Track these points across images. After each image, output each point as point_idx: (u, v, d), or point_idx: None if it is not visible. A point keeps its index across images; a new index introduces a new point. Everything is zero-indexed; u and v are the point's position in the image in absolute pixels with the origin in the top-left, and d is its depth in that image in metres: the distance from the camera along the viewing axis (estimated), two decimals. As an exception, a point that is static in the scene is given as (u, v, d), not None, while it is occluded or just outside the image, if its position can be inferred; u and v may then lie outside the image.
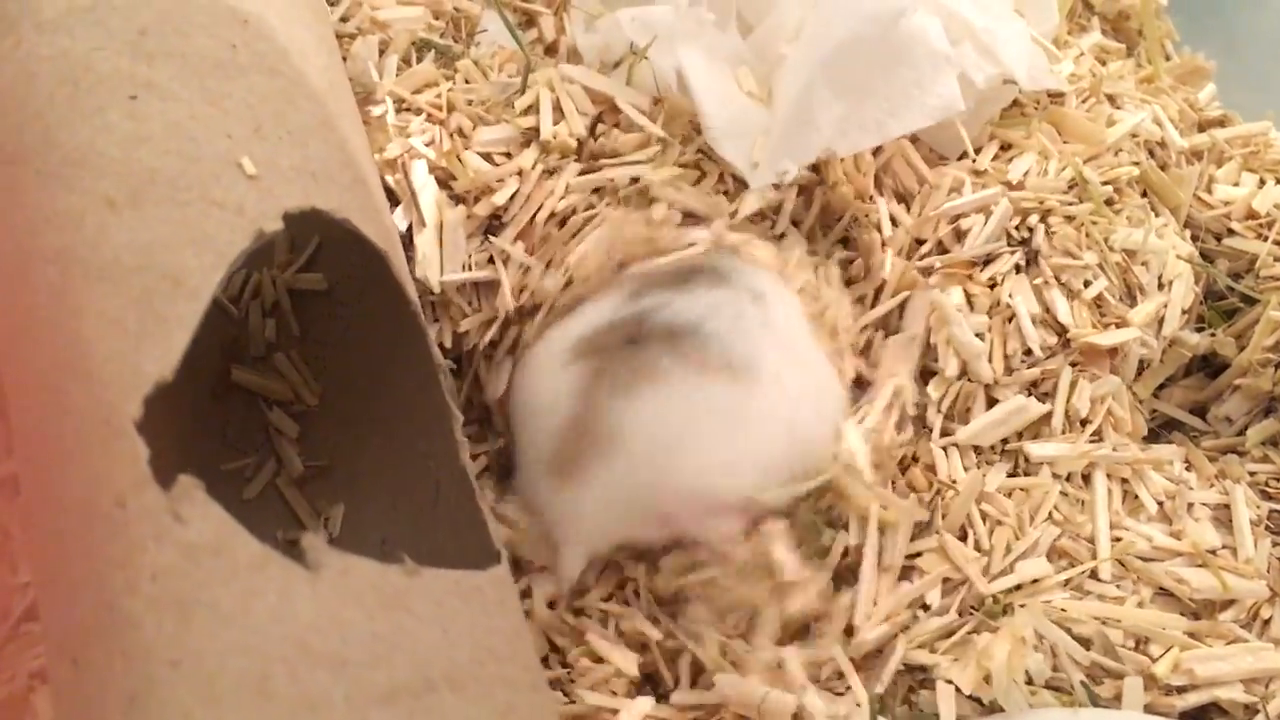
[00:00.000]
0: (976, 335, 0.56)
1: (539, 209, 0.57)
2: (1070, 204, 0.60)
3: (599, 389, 0.50)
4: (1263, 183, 0.67)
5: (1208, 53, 0.78)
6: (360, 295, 0.56)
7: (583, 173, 0.58)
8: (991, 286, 0.58)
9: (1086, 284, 0.58)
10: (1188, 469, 0.58)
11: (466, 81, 0.62)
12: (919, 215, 0.60)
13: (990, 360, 0.56)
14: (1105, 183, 0.61)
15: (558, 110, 0.59)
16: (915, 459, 0.55)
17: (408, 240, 0.55)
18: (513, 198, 0.57)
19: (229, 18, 0.49)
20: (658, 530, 0.50)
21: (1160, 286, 0.59)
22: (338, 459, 0.54)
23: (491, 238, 0.57)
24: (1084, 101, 0.66)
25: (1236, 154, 0.68)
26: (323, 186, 0.47)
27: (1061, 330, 0.57)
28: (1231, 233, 0.65)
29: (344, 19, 0.63)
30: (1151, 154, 0.64)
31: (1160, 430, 0.62)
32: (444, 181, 0.57)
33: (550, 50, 0.67)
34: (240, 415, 0.55)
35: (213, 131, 0.45)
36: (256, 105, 0.47)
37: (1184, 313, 0.60)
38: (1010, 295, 0.57)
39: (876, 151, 0.61)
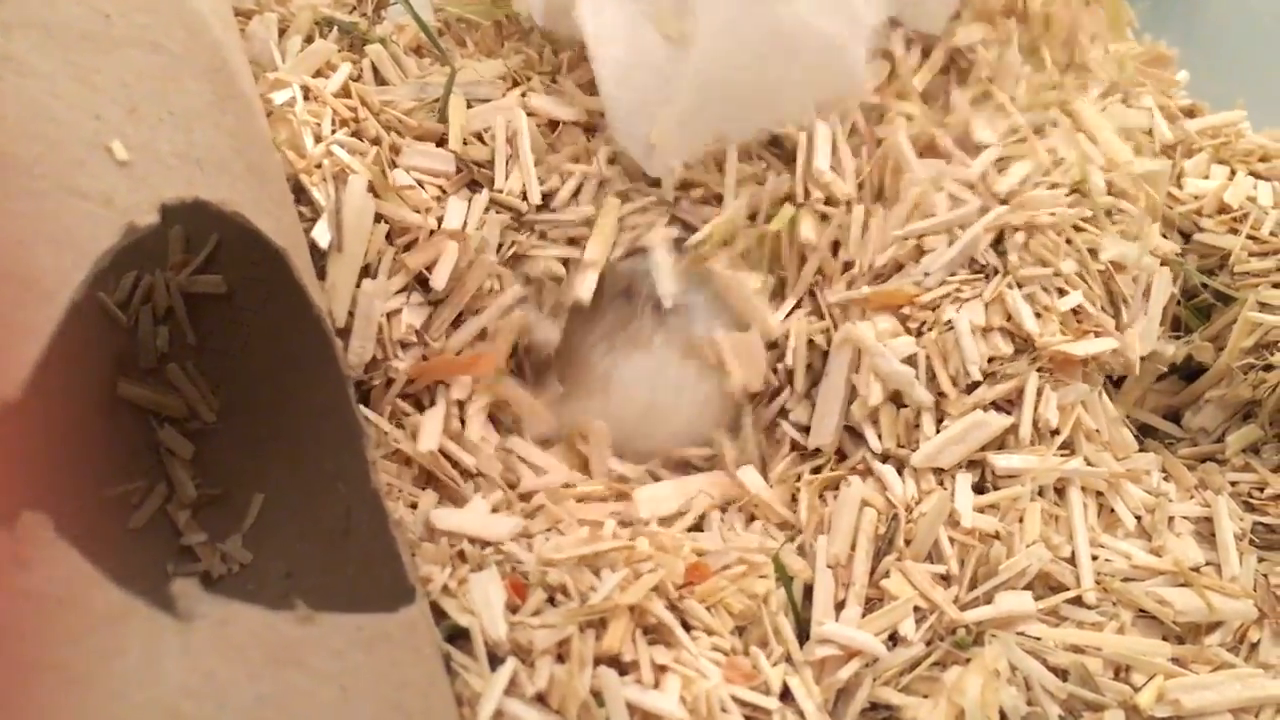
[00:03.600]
0: (909, 359, 0.52)
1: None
2: (1052, 212, 0.55)
3: (594, 331, 0.54)
4: (1233, 173, 0.63)
5: (1169, 39, 0.75)
6: (264, 300, 0.50)
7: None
8: (934, 308, 0.53)
9: (1061, 293, 0.53)
10: (1166, 479, 0.54)
11: (376, 72, 0.56)
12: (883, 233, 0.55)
13: (935, 380, 0.52)
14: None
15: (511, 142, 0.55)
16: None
17: (320, 254, 0.49)
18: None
19: (103, -15, 0.43)
20: None
21: (1145, 298, 0.56)
22: (237, 482, 0.48)
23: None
24: (1103, 95, 0.63)
25: (1206, 145, 0.64)
26: (210, 175, 0.41)
27: (1027, 340, 0.53)
28: (1200, 229, 0.61)
29: (243, -8, 0.57)
30: (1138, 150, 0.60)
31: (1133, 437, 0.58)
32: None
33: None
34: (128, 434, 0.49)
35: (78, 112, 0.39)
36: (132, 83, 0.41)
37: (1161, 324, 0.56)
38: (957, 310, 0.53)
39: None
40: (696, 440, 0.54)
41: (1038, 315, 0.53)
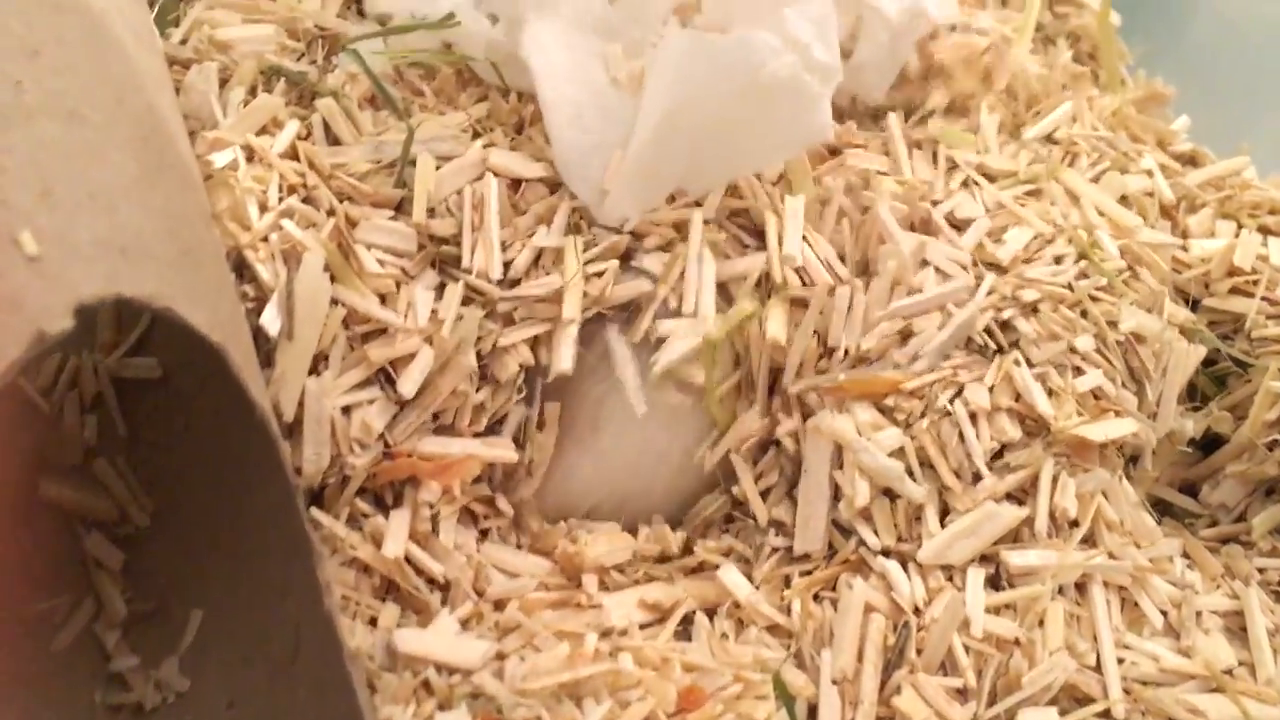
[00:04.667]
0: (895, 452, 0.47)
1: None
2: (1065, 287, 0.51)
3: (583, 364, 0.49)
4: (1240, 229, 0.59)
5: (1164, 75, 0.72)
6: (201, 386, 0.45)
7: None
8: (921, 396, 0.49)
9: (1077, 371, 0.49)
10: (1189, 566, 0.50)
11: (327, 130, 0.51)
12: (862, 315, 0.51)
13: (937, 470, 0.47)
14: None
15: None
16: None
17: (266, 339, 0.44)
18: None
19: (14, 48, 0.38)
20: None
21: (1165, 374, 0.52)
22: (173, 596, 0.44)
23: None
24: (1093, 164, 0.59)
25: (1210, 199, 0.61)
26: (135, 265, 0.36)
27: (1039, 422, 0.48)
28: (1209, 292, 0.57)
29: (183, 40, 0.52)
30: (1144, 215, 0.56)
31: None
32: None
33: None
34: (49, 542, 0.44)
35: (-18, 198, 0.34)
36: (46, 161, 0.36)
37: (1178, 402, 0.52)
38: (955, 397, 0.48)
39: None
40: (694, 486, 0.51)
41: (1050, 394, 0.49)
